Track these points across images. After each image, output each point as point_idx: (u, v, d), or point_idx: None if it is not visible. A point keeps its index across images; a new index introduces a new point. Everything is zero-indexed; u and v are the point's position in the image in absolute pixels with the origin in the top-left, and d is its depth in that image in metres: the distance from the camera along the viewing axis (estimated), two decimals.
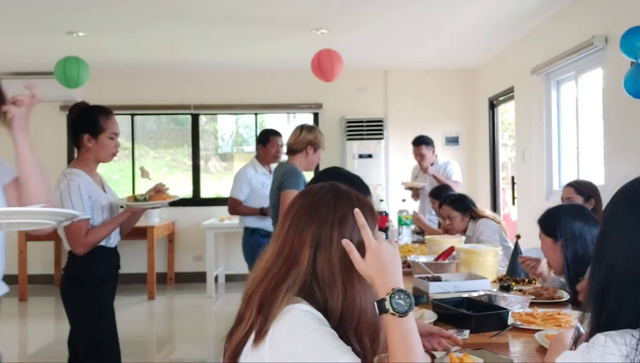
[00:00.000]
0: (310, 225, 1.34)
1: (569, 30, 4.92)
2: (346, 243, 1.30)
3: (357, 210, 1.33)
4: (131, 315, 6.53)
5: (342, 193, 1.40)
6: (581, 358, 1.13)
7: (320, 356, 1.20)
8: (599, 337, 1.12)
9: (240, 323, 1.34)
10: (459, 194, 4.49)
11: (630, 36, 3.61)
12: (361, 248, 1.31)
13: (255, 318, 1.29)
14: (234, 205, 4.99)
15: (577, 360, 1.13)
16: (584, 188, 3.45)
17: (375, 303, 1.26)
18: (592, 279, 1.21)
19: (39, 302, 7.03)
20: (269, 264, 1.36)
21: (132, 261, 7.81)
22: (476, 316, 2.19)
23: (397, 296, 1.24)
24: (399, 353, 1.22)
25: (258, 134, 4.49)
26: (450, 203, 4.25)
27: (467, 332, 2.09)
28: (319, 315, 1.27)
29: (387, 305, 1.24)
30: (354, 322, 1.30)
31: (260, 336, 1.25)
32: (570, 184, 3.58)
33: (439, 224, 5.20)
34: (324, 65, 5.41)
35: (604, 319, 1.15)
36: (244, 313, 1.34)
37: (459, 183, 5.73)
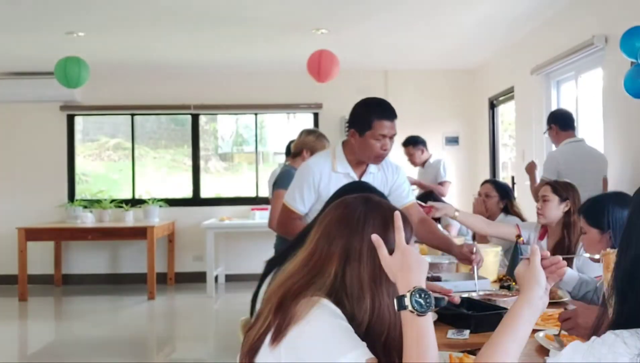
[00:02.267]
0: (341, 238, 1.35)
1: (569, 30, 4.92)
2: (376, 238, 1.31)
3: (397, 212, 1.35)
4: (131, 315, 6.54)
5: (374, 205, 1.41)
6: (583, 358, 1.11)
7: (335, 343, 1.21)
8: (609, 336, 1.10)
9: (257, 321, 1.35)
10: (505, 183, 4.61)
11: (630, 36, 3.61)
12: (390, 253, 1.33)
13: (273, 317, 1.29)
14: (285, 218, 2.96)
15: (580, 358, 1.12)
16: (561, 188, 3.39)
17: (395, 299, 1.26)
18: (618, 268, 1.18)
19: (39, 302, 7.03)
20: (295, 270, 1.37)
21: (132, 261, 7.84)
22: (476, 316, 2.19)
23: (417, 295, 1.24)
24: (414, 352, 1.22)
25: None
26: (493, 182, 4.36)
27: (467, 332, 2.09)
28: (339, 311, 1.28)
29: (407, 302, 1.24)
30: (383, 336, 1.30)
31: (279, 337, 1.26)
32: (548, 183, 3.53)
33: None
34: (320, 66, 5.44)
35: (626, 310, 1.12)
36: (262, 311, 1.36)
37: (449, 182, 5.82)
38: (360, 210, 1.38)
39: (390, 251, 1.32)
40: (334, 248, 1.34)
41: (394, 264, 1.29)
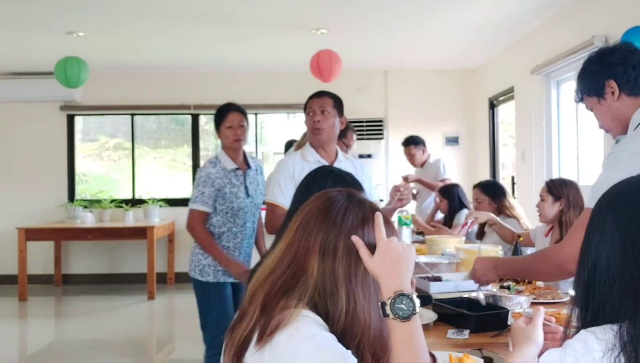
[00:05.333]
0: (319, 231, 1.31)
1: (569, 30, 4.92)
2: (356, 239, 1.28)
3: (378, 212, 1.32)
4: (131, 315, 6.54)
5: (355, 201, 1.37)
6: (560, 358, 1.18)
7: (325, 358, 1.18)
8: (582, 334, 1.17)
9: (242, 319, 1.32)
10: (491, 181, 4.61)
11: (630, 36, 3.62)
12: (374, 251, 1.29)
13: (259, 317, 1.27)
14: (270, 216, 3.00)
15: (558, 359, 1.18)
16: (555, 187, 3.37)
17: (379, 305, 1.25)
18: (578, 280, 1.26)
19: (39, 302, 7.03)
20: (275, 263, 1.34)
21: (132, 261, 7.84)
22: (476, 316, 2.19)
23: (398, 301, 1.22)
24: (402, 357, 1.21)
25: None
26: (480, 186, 4.37)
27: (467, 331, 2.09)
28: (320, 320, 1.25)
29: (388, 310, 1.22)
30: (356, 338, 1.27)
31: (263, 339, 1.23)
32: (546, 182, 3.53)
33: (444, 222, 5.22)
34: (323, 66, 5.44)
35: (589, 317, 1.20)
36: (247, 310, 1.31)
37: (448, 180, 5.81)
38: (341, 204, 1.34)
39: (371, 248, 1.28)
40: (313, 242, 1.30)
41: (375, 268, 1.26)
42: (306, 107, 3.18)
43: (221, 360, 1.36)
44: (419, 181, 5.80)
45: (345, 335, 1.26)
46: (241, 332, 1.29)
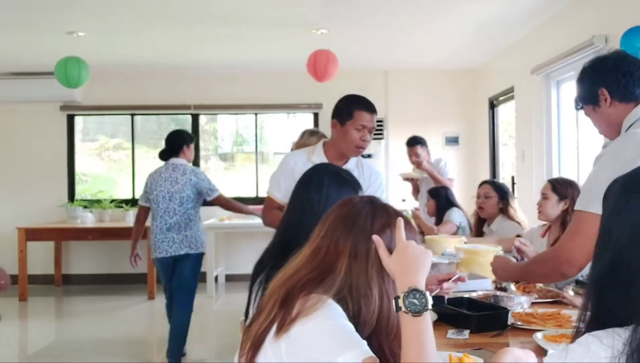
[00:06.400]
0: (348, 236, 1.38)
1: (569, 30, 4.92)
2: (376, 238, 1.34)
3: (399, 218, 1.39)
4: (131, 315, 6.54)
5: (380, 206, 1.44)
6: (560, 359, 1.10)
7: (334, 342, 1.22)
8: (585, 338, 1.09)
9: (260, 314, 1.36)
10: (503, 183, 4.63)
11: (630, 36, 3.62)
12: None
13: (278, 310, 1.31)
14: (266, 207, 3.14)
15: (560, 360, 1.10)
16: (561, 186, 3.39)
17: (393, 300, 1.29)
18: (595, 270, 1.16)
19: (39, 302, 7.03)
20: (300, 265, 1.39)
21: None
22: (476, 316, 2.19)
23: (411, 296, 1.26)
24: (411, 352, 1.24)
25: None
26: (492, 183, 4.39)
27: (467, 332, 2.09)
28: (343, 312, 1.30)
29: (400, 303, 1.26)
30: (391, 334, 1.33)
31: (282, 330, 1.27)
32: (549, 181, 3.53)
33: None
34: (318, 66, 5.44)
35: (604, 311, 1.10)
36: (265, 305, 1.36)
37: (453, 180, 5.78)
38: (367, 209, 1.42)
39: (391, 251, 1.34)
40: (342, 246, 1.37)
41: (391, 265, 1.32)
42: (349, 113, 2.97)
43: (237, 356, 1.39)
44: (429, 171, 5.68)
45: (380, 332, 1.33)
46: (258, 325, 1.34)
